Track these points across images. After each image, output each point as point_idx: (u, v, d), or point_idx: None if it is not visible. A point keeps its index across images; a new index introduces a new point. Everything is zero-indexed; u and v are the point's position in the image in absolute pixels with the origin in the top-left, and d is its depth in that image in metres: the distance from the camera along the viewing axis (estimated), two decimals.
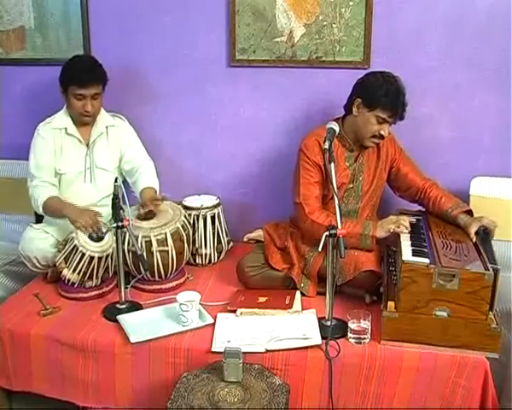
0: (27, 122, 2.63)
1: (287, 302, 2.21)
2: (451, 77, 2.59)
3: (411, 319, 1.93)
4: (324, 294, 2.09)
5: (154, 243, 2.34)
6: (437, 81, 2.61)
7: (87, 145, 2.56)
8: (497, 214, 2.26)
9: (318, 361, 1.94)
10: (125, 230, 2.18)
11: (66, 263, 2.32)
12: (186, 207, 2.65)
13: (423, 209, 2.45)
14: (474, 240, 2.14)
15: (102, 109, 2.58)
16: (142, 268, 2.22)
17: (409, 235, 2.17)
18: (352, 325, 1.99)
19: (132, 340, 2.00)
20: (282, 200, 2.65)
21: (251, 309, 2.18)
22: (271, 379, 1.83)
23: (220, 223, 2.72)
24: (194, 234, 2.61)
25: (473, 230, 2.16)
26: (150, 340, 2.01)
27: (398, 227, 2.19)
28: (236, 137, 2.83)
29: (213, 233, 2.68)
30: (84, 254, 2.28)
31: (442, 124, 2.66)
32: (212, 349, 1.97)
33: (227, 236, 2.78)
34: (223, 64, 2.74)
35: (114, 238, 2.23)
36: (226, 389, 1.79)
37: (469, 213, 2.28)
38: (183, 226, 2.44)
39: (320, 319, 2.09)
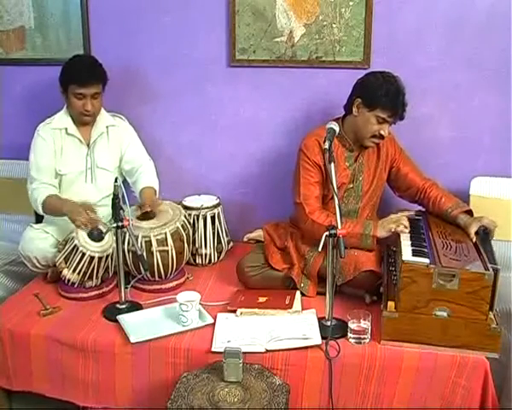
0: (27, 122, 2.64)
1: (287, 302, 2.21)
2: (451, 77, 2.59)
3: (411, 319, 1.93)
4: (324, 294, 2.09)
5: (154, 243, 2.34)
6: (437, 81, 2.61)
7: (88, 145, 2.56)
8: (497, 214, 2.26)
9: (318, 361, 1.94)
10: (125, 230, 2.18)
11: (66, 263, 2.32)
12: (186, 207, 2.65)
13: (423, 209, 2.45)
14: (474, 240, 2.14)
15: (103, 109, 2.58)
16: (142, 268, 2.21)
17: (409, 235, 2.17)
18: (352, 325, 1.99)
19: (132, 340, 2.00)
20: (282, 200, 2.65)
21: (251, 309, 2.18)
22: (271, 379, 1.83)
23: (220, 223, 2.72)
24: (194, 234, 2.61)
25: (473, 230, 2.16)
26: (150, 340, 2.01)
27: (399, 226, 2.19)
28: (236, 137, 2.83)
29: (213, 233, 2.68)
30: (84, 254, 2.28)
31: (442, 124, 2.66)
32: (212, 349, 1.97)
33: (227, 236, 2.78)
34: (223, 64, 2.74)
35: (114, 238, 2.23)
36: (226, 389, 1.79)
37: (469, 213, 2.28)
38: (182, 226, 2.44)
39: (320, 319, 2.09)
